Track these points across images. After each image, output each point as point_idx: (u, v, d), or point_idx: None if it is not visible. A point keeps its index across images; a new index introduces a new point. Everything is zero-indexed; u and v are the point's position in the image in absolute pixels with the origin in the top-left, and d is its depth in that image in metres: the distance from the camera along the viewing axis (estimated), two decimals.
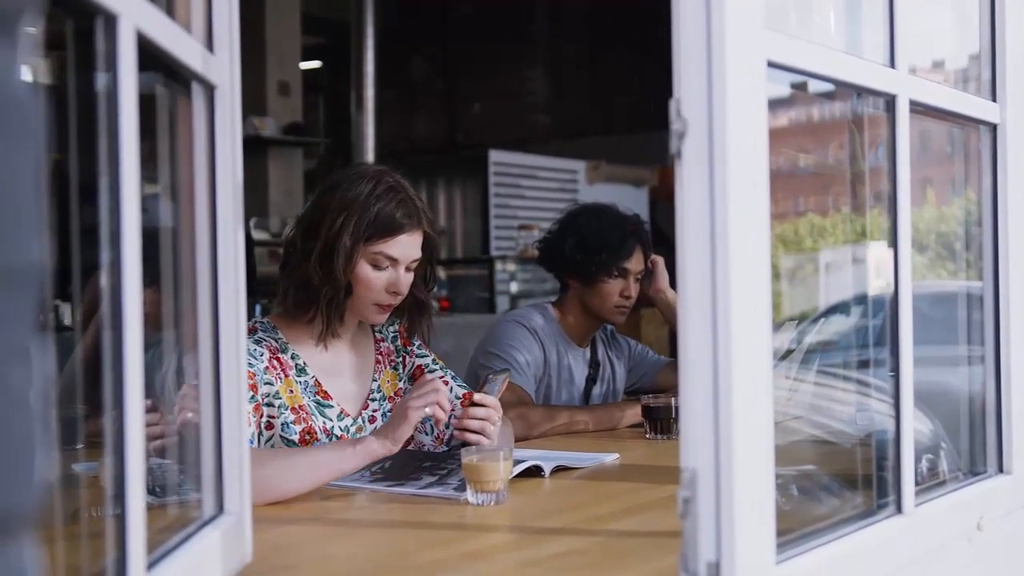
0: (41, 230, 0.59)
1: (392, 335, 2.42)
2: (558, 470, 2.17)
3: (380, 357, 2.38)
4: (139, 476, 1.03)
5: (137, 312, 1.03)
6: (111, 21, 1.00)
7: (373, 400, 2.33)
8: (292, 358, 2.22)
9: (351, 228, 2.14)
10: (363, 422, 2.28)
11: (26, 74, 0.59)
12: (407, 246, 2.20)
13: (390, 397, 2.35)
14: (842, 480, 1.73)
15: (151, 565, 1.10)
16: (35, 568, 0.61)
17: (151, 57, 1.12)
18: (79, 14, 1.01)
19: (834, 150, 2.05)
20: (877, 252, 1.90)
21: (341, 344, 2.29)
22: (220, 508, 1.37)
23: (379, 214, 2.16)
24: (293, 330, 2.25)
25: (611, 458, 2.34)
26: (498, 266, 7.43)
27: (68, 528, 1.22)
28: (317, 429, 2.19)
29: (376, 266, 2.19)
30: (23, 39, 0.59)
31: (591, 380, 3.12)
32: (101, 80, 1.03)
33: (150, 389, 1.08)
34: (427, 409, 1.96)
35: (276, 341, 2.21)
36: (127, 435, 1.02)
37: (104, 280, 1.02)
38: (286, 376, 2.19)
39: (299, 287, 2.20)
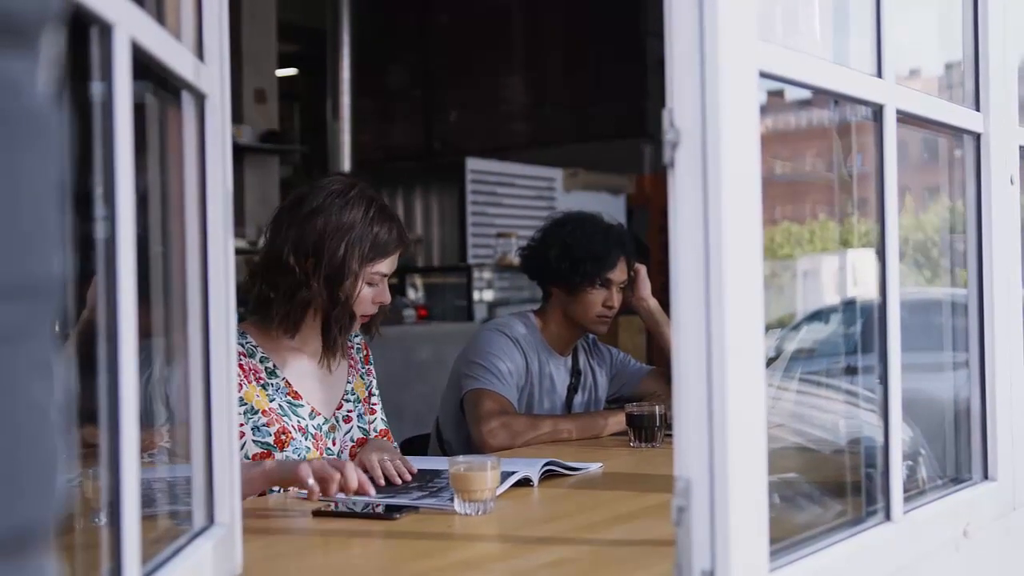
0: (61, 242, 0.59)
1: (357, 347, 2.50)
2: (547, 476, 2.17)
3: (352, 362, 2.46)
4: (134, 488, 1.02)
5: (131, 322, 1.02)
6: (106, 30, 1.00)
7: (348, 401, 2.41)
8: (261, 361, 2.28)
9: (357, 254, 2.24)
10: (337, 421, 2.36)
11: (48, 85, 0.59)
12: (395, 261, 2.34)
13: (363, 400, 2.44)
14: (827, 487, 1.74)
15: None
16: None
17: (142, 66, 1.12)
18: (73, 23, 1.00)
19: (811, 158, 2.06)
20: (855, 260, 1.92)
21: (312, 349, 2.34)
22: (211, 519, 1.36)
23: (378, 237, 2.27)
24: (268, 336, 2.31)
25: (595, 467, 2.34)
26: (476, 274, 7.42)
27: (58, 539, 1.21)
28: (291, 428, 2.24)
29: (370, 284, 2.29)
30: (44, 52, 0.58)
31: (573, 389, 3.12)
32: (95, 89, 1.02)
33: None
34: (311, 481, 1.89)
35: (243, 346, 2.24)
36: (122, 447, 1.01)
37: (98, 289, 1.01)
38: (250, 382, 2.24)
39: (300, 308, 2.25)
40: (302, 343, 2.33)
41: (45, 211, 0.57)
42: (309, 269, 2.23)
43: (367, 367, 2.51)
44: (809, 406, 2.07)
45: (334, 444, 2.34)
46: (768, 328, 2.20)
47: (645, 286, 3.13)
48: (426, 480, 2.13)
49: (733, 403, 1.16)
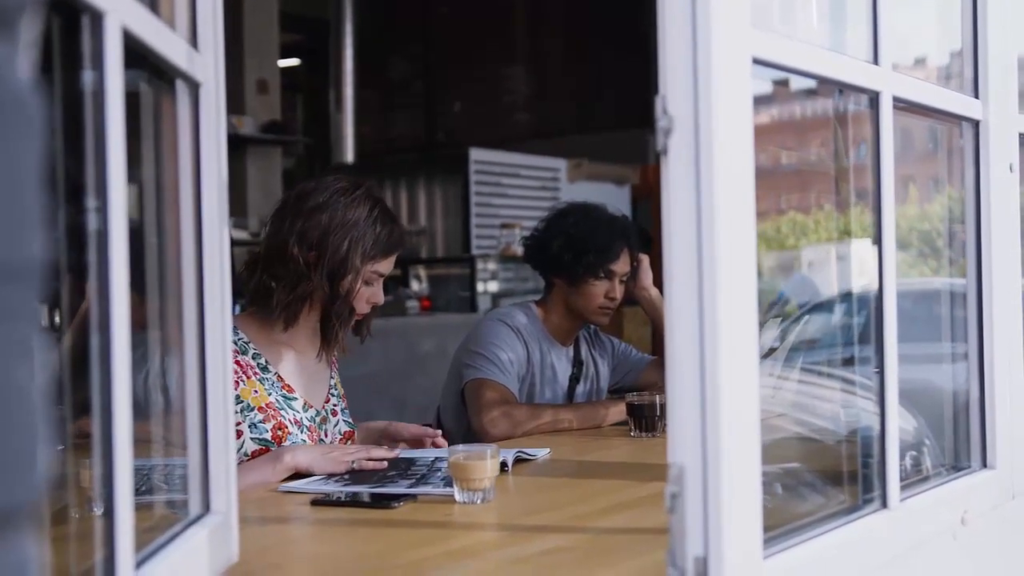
0: (43, 227, 0.60)
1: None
2: (518, 462, 2.23)
3: (334, 360, 2.50)
4: (127, 477, 1.03)
5: (124, 313, 1.02)
6: (97, 18, 1.00)
7: (333, 395, 2.45)
8: (253, 358, 2.30)
9: (359, 250, 2.27)
10: (327, 413, 2.41)
11: (27, 70, 0.59)
12: (392, 263, 2.37)
13: (342, 396, 2.49)
14: (827, 476, 1.74)
15: (139, 564, 1.09)
16: (37, 563, 0.61)
17: (135, 54, 1.12)
18: (64, 11, 1.00)
19: (816, 147, 2.05)
20: (860, 250, 1.91)
21: (302, 345, 2.37)
22: (207, 507, 1.37)
23: (380, 236, 2.30)
24: (259, 330, 2.33)
25: (544, 452, 2.38)
26: (479, 265, 7.42)
27: (51, 528, 1.21)
28: (288, 422, 2.27)
29: (367, 283, 2.32)
30: (23, 36, 0.58)
31: (575, 379, 3.12)
32: (87, 78, 1.02)
33: (133, 390, 1.08)
34: (354, 465, 2.12)
35: (235, 343, 2.25)
36: (115, 436, 1.01)
37: (91, 281, 1.02)
38: (248, 378, 2.26)
39: (300, 300, 2.28)
40: (292, 338, 2.35)
41: (25, 195, 0.58)
42: (312, 262, 2.26)
43: (336, 369, 2.55)
44: (812, 396, 2.07)
45: (326, 436, 2.37)
46: (774, 318, 2.20)
47: (647, 276, 3.12)
48: (404, 468, 2.14)
49: (726, 389, 1.16)
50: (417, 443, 2.42)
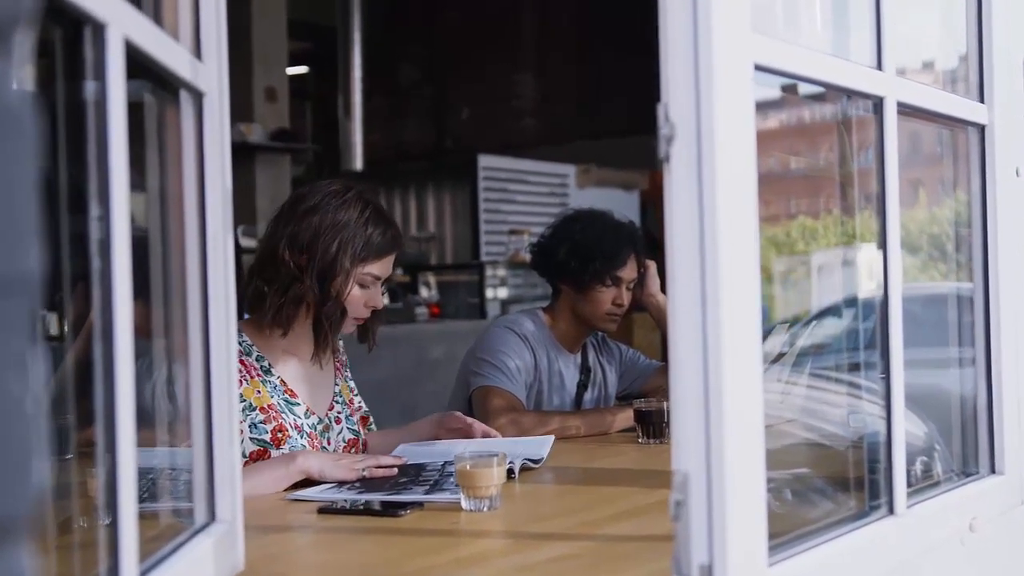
0: (37, 238, 0.60)
1: (341, 351, 2.56)
2: (524, 469, 2.23)
3: (339, 366, 2.50)
4: (130, 487, 1.03)
5: (127, 321, 1.03)
6: (99, 29, 1.00)
7: (337, 402, 2.45)
8: (257, 360, 2.31)
9: (349, 251, 2.26)
10: (330, 421, 2.40)
11: (22, 82, 0.59)
12: (390, 265, 2.36)
13: (348, 402, 2.48)
14: (835, 482, 1.74)
15: (143, 573, 1.10)
16: (32, 574, 0.61)
17: (139, 65, 1.12)
18: (67, 22, 1.00)
19: (825, 152, 2.05)
20: (868, 254, 1.91)
21: (303, 352, 2.37)
22: (212, 516, 1.37)
23: (372, 237, 2.29)
24: (262, 335, 2.33)
25: (549, 441, 2.42)
26: (488, 271, 7.42)
27: (58, 538, 1.22)
28: (288, 426, 2.28)
29: (362, 285, 2.32)
30: (18, 48, 0.59)
31: (582, 386, 3.12)
32: (89, 88, 1.03)
33: (140, 399, 1.08)
34: (364, 472, 2.13)
35: (240, 345, 2.26)
36: (118, 446, 1.01)
37: (94, 290, 1.02)
38: (252, 378, 2.27)
39: (292, 303, 2.28)
40: (294, 345, 2.35)
41: (20, 207, 0.58)
42: (303, 265, 2.26)
43: (347, 372, 2.55)
44: (820, 401, 2.07)
45: (328, 443, 2.37)
46: (782, 323, 2.19)
47: (654, 282, 3.12)
48: (415, 475, 2.14)
49: (730, 396, 1.16)
50: (466, 434, 2.46)
